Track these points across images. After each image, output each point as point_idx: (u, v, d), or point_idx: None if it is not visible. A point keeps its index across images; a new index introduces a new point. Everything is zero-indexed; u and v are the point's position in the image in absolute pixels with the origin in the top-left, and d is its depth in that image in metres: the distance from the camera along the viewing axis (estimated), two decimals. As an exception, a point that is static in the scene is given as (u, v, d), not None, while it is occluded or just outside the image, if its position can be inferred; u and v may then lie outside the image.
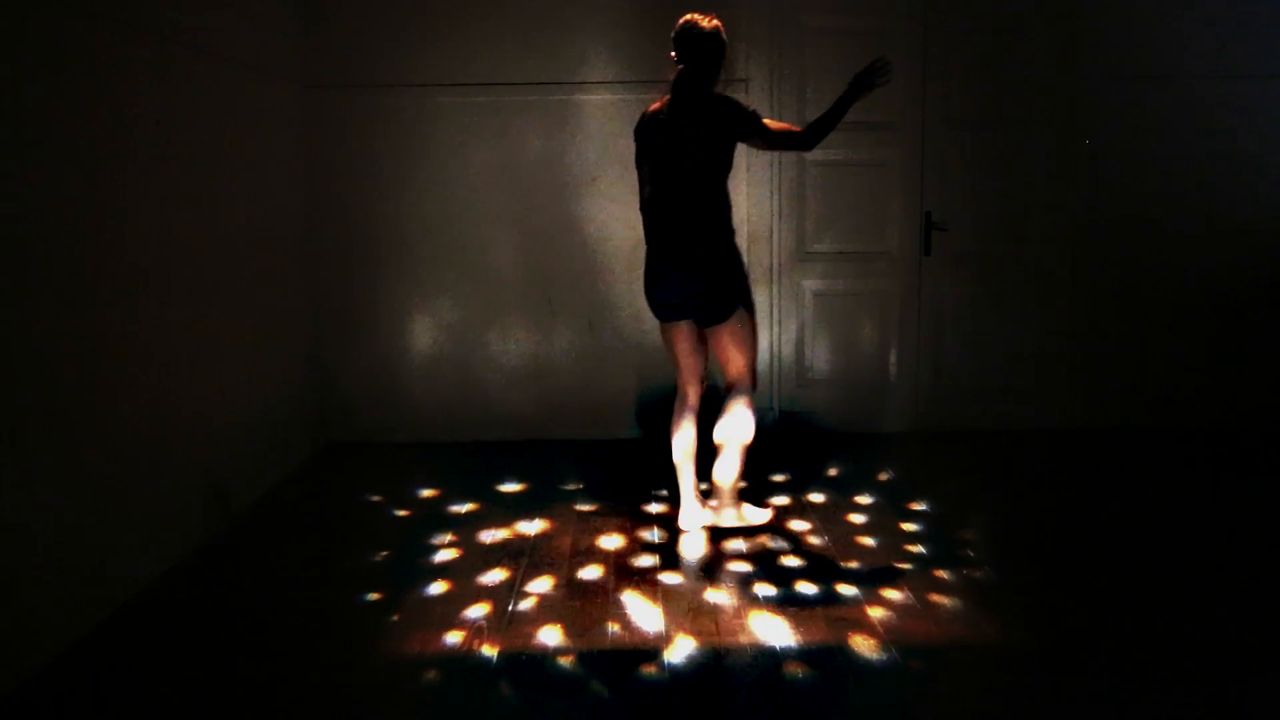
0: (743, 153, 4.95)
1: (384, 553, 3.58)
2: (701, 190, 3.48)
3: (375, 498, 4.23)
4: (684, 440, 3.73)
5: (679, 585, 3.25)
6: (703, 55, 3.49)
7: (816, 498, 4.14)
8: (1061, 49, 5.05)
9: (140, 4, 3.31)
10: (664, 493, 4.24)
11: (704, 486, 3.87)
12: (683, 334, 3.65)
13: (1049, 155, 5.13)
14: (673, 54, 3.54)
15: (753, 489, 4.26)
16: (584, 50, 4.97)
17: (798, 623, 2.94)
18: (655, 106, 3.59)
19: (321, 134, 4.92)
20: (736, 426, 3.63)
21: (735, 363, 3.61)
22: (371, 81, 4.92)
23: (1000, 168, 5.14)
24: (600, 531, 3.78)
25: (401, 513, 4.04)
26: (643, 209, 3.59)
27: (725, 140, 3.49)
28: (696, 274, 3.48)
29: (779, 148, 3.97)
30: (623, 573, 3.37)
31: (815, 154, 5.01)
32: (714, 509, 3.77)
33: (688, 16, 3.55)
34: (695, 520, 3.76)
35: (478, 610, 3.06)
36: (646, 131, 3.57)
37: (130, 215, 3.24)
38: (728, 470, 3.69)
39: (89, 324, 3.00)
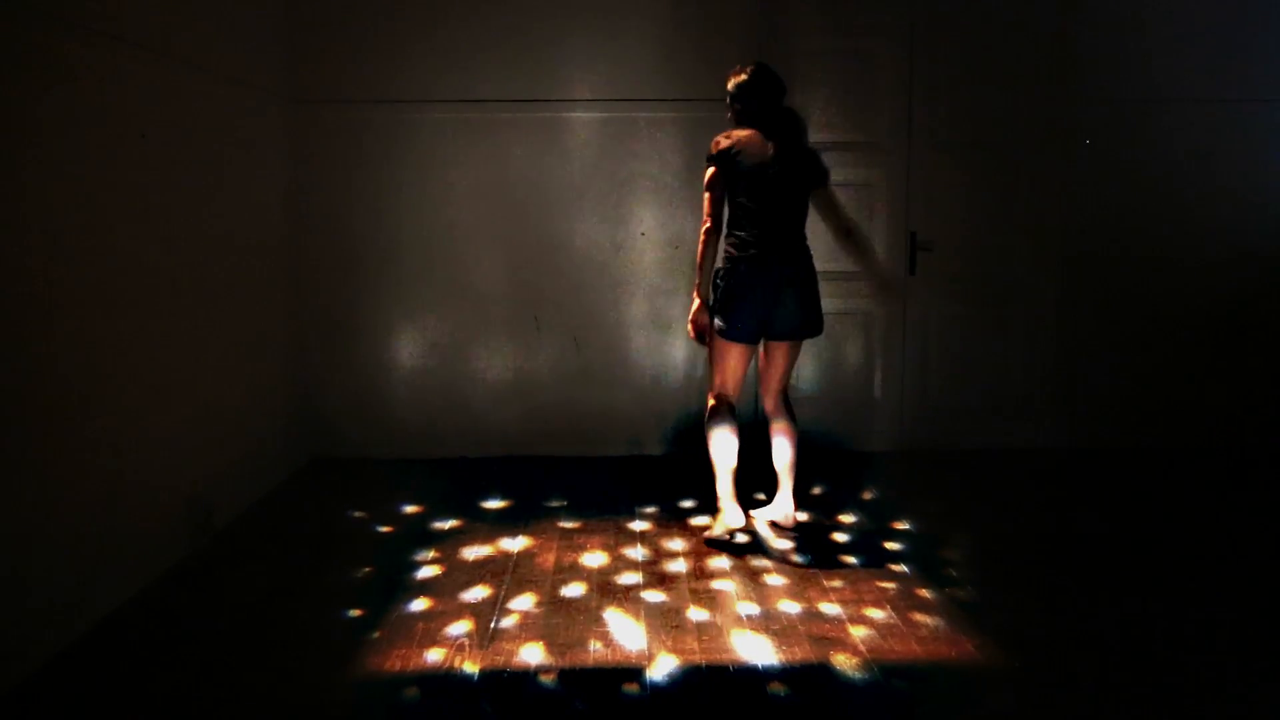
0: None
1: (366, 569, 3.57)
2: (803, 218, 3.79)
3: (358, 514, 4.21)
4: (735, 445, 3.81)
5: (662, 603, 3.25)
6: (783, 97, 3.79)
7: (800, 516, 4.14)
8: (1048, 71, 5.11)
9: (127, 18, 3.32)
10: (649, 510, 4.24)
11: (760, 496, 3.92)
12: (750, 352, 3.81)
13: (1035, 176, 5.18)
14: (737, 105, 3.77)
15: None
16: (570, 68, 4.99)
17: (780, 641, 2.94)
18: (738, 139, 3.68)
19: (307, 149, 4.92)
20: (796, 445, 3.96)
21: (786, 378, 3.93)
22: (357, 97, 4.93)
23: (986, 189, 5.19)
24: (583, 549, 3.77)
25: (384, 529, 4.02)
26: (754, 236, 3.67)
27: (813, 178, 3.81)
28: (812, 293, 3.77)
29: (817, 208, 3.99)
30: (605, 590, 3.36)
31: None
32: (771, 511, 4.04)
33: (751, 66, 3.77)
34: (740, 521, 3.85)
35: (460, 627, 3.05)
36: (747, 162, 3.66)
37: (114, 227, 3.24)
38: (791, 480, 3.99)
39: (70, 337, 2.99)
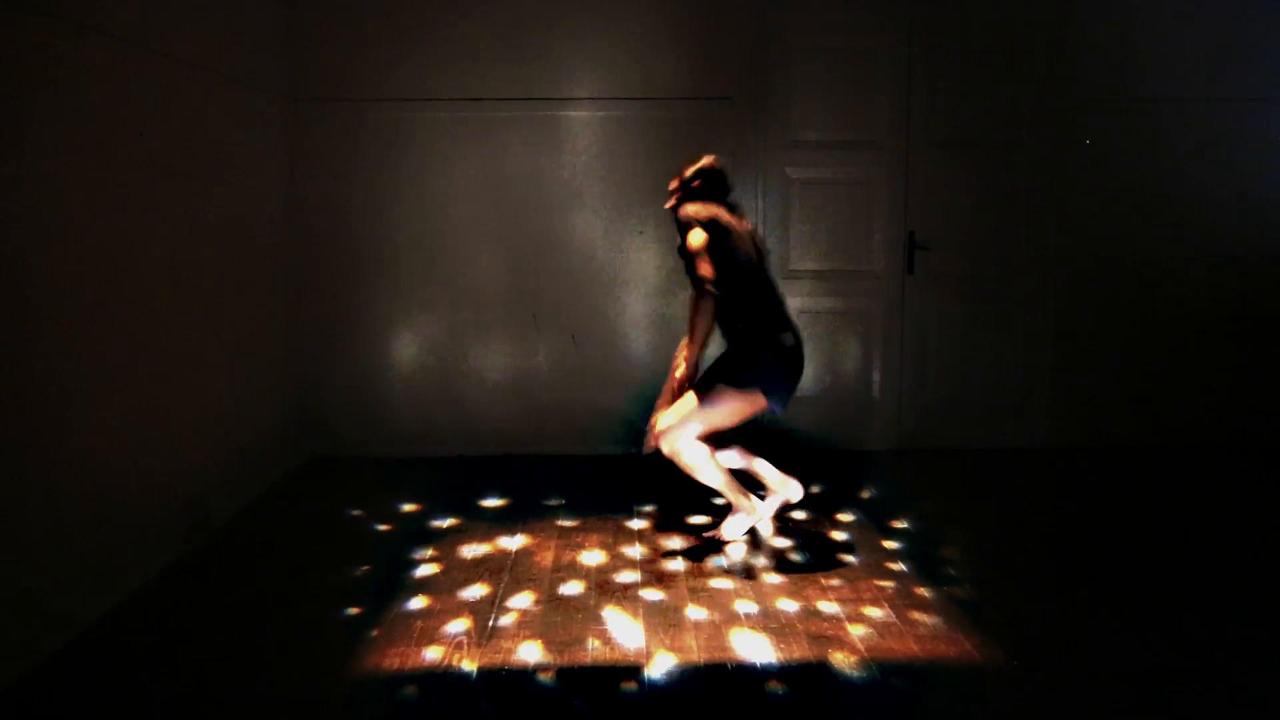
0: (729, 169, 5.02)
1: (364, 567, 3.56)
2: None
3: (356, 512, 4.21)
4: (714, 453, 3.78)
5: (660, 601, 3.25)
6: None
7: (798, 514, 4.14)
8: (1048, 71, 5.11)
9: (127, 16, 3.31)
10: (647, 508, 4.24)
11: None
12: None
13: (1033, 175, 5.18)
14: (697, 182, 3.77)
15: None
16: (568, 66, 4.99)
17: (778, 640, 2.94)
18: (715, 210, 3.65)
19: (305, 147, 4.92)
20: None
21: None
22: (356, 95, 4.93)
23: (984, 188, 5.19)
24: (582, 547, 3.77)
25: (382, 527, 4.02)
26: (783, 310, 3.73)
27: None
28: None
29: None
30: (604, 588, 3.36)
31: (800, 172, 5.11)
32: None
33: (709, 159, 3.82)
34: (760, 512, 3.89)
35: (458, 625, 3.04)
36: (736, 231, 3.66)
37: (114, 225, 3.23)
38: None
39: (68, 336, 2.99)
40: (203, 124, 3.89)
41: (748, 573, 3.50)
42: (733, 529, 3.84)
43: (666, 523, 4.07)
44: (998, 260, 5.24)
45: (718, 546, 3.77)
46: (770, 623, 3.07)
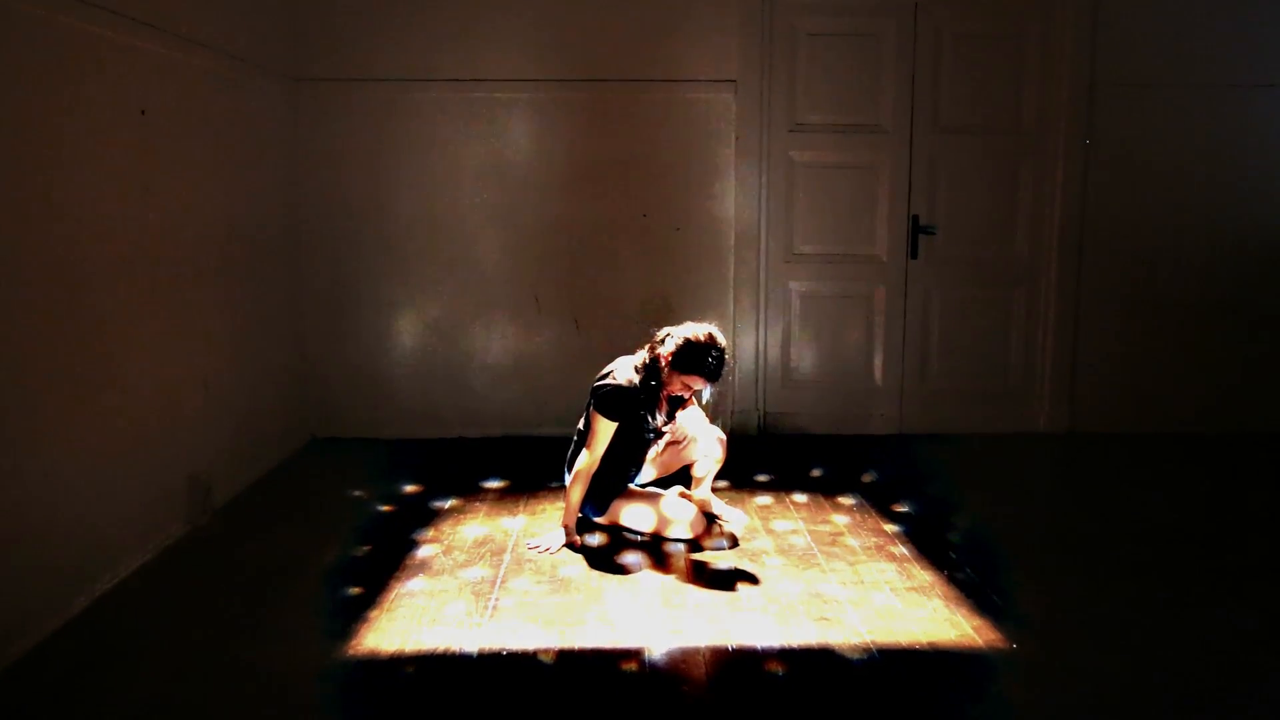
0: (730, 156, 4.97)
1: (366, 547, 3.57)
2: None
3: (358, 492, 4.21)
4: None
5: (661, 583, 3.25)
6: None
7: (799, 498, 4.15)
8: (1054, 55, 5.08)
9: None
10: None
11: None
12: None
13: (1039, 159, 5.15)
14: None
15: (736, 488, 4.27)
16: (571, 47, 4.96)
17: (779, 622, 2.94)
18: None
19: (308, 127, 4.90)
20: None
21: None
22: (360, 75, 4.90)
23: (988, 172, 5.17)
24: (583, 529, 3.77)
25: (384, 508, 4.02)
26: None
27: None
28: None
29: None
30: (605, 570, 3.36)
31: (803, 155, 5.09)
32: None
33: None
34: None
35: (459, 606, 3.05)
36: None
37: (114, 206, 3.22)
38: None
39: (72, 315, 2.98)
40: (205, 103, 3.87)
41: (748, 556, 3.51)
42: (737, 518, 3.86)
43: (668, 505, 4.06)
44: (1001, 245, 5.22)
45: (719, 529, 3.78)
46: (771, 605, 3.07)
